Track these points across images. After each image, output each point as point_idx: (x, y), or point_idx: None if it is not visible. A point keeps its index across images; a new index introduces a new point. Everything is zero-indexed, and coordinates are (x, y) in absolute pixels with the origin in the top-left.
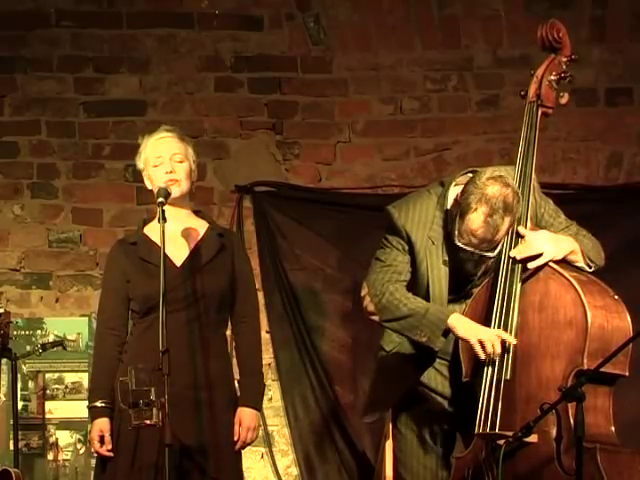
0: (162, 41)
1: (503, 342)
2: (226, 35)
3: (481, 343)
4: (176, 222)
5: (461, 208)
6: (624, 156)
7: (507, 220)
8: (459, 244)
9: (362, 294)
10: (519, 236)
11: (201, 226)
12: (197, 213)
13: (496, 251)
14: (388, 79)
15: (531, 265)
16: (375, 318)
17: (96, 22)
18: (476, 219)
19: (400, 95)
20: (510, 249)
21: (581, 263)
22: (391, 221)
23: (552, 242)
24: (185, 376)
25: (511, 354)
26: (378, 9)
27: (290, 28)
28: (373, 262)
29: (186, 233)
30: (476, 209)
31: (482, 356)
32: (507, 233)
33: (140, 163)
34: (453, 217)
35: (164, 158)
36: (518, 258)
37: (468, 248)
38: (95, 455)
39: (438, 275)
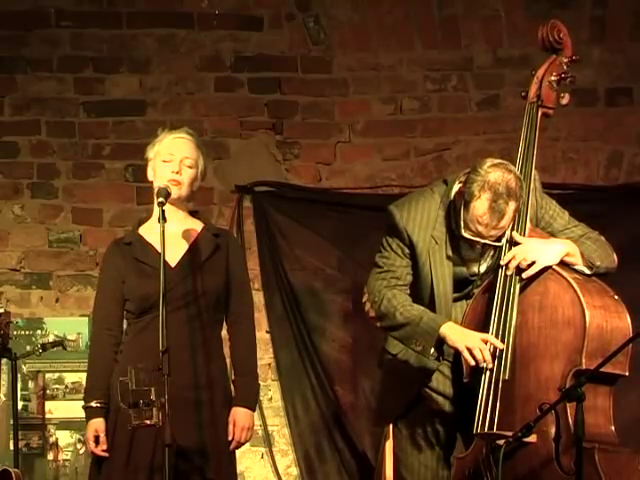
0: (162, 41)
1: (493, 347)
2: (226, 35)
3: (469, 350)
4: (172, 222)
5: (465, 197)
6: (624, 156)
7: (512, 205)
8: (466, 235)
9: (363, 300)
10: (515, 243)
11: (197, 226)
12: (193, 214)
13: (502, 241)
14: (388, 79)
15: (525, 275)
16: (378, 324)
17: (96, 22)
18: (481, 206)
19: (400, 95)
20: (509, 249)
21: (580, 266)
22: (392, 222)
23: (545, 250)
24: (183, 376)
25: (510, 354)
26: (378, 9)
27: (290, 28)
28: (372, 267)
29: (182, 233)
30: (480, 196)
31: (472, 363)
32: (513, 219)
33: (151, 153)
34: (457, 209)
35: (175, 157)
36: (516, 275)
37: (475, 239)
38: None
39: (442, 274)
